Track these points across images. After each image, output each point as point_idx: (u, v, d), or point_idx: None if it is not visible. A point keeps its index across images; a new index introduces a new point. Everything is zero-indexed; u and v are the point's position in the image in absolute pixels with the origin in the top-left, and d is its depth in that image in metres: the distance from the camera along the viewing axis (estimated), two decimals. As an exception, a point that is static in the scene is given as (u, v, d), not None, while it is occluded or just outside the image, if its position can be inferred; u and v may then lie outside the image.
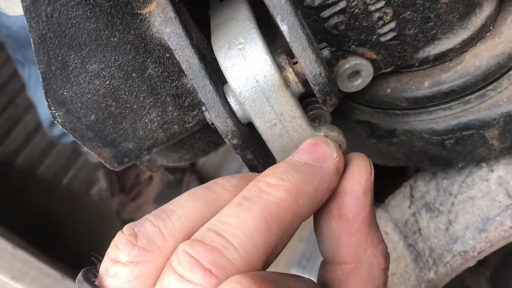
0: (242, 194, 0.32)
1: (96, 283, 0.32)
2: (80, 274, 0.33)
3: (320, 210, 0.36)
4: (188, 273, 0.29)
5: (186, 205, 0.33)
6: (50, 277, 1.01)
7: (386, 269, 0.36)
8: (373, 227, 0.36)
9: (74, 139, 0.42)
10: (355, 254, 0.35)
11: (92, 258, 0.33)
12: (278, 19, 0.36)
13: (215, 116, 0.37)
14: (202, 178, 1.52)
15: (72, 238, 1.55)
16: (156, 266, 0.31)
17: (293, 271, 1.09)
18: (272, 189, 0.32)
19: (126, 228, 0.32)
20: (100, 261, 0.33)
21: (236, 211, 0.31)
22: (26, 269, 0.97)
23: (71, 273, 1.12)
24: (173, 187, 1.40)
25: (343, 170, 0.36)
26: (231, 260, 0.29)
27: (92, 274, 0.33)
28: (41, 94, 0.38)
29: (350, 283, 0.35)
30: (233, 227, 0.30)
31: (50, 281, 1.01)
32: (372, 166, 0.37)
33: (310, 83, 0.37)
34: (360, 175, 0.36)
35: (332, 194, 0.36)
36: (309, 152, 0.35)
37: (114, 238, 0.32)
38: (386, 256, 0.36)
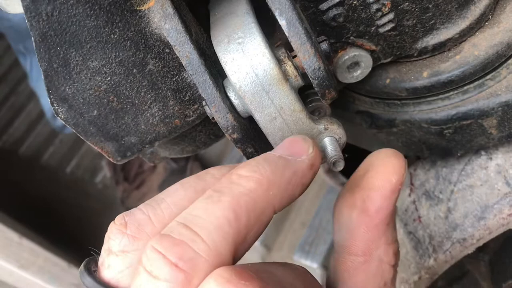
0: (214, 187, 0.32)
1: (97, 274, 0.32)
2: (82, 265, 0.33)
3: (343, 199, 0.37)
4: (156, 270, 0.28)
5: (176, 193, 0.33)
6: (56, 266, 1.03)
7: (395, 265, 0.37)
8: (391, 226, 0.36)
9: (77, 134, 0.43)
10: (367, 249, 0.35)
11: (91, 251, 0.34)
12: (276, 14, 0.36)
13: (215, 111, 0.38)
14: (205, 165, 1.53)
15: (76, 226, 1.57)
16: None
17: (296, 257, 1.11)
18: (243, 180, 0.32)
19: (118, 218, 0.33)
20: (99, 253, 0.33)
21: (205, 203, 0.31)
22: (33, 258, 0.99)
23: (77, 262, 1.14)
24: (177, 175, 1.40)
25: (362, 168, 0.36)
26: (198, 252, 0.28)
27: (94, 264, 0.33)
28: (43, 85, 0.38)
29: (358, 276, 0.36)
30: (202, 218, 0.30)
31: (57, 269, 1.03)
32: (406, 168, 0.37)
33: (309, 77, 0.37)
34: (392, 173, 0.36)
35: (359, 186, 0.36)
36: (286, 147, 0.35)
37: (108, 228, 0.32)
38: (397, 254, 0.37)
